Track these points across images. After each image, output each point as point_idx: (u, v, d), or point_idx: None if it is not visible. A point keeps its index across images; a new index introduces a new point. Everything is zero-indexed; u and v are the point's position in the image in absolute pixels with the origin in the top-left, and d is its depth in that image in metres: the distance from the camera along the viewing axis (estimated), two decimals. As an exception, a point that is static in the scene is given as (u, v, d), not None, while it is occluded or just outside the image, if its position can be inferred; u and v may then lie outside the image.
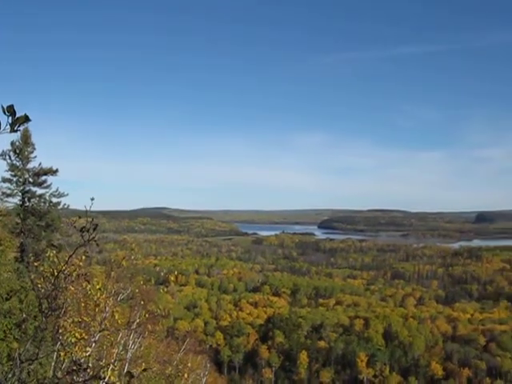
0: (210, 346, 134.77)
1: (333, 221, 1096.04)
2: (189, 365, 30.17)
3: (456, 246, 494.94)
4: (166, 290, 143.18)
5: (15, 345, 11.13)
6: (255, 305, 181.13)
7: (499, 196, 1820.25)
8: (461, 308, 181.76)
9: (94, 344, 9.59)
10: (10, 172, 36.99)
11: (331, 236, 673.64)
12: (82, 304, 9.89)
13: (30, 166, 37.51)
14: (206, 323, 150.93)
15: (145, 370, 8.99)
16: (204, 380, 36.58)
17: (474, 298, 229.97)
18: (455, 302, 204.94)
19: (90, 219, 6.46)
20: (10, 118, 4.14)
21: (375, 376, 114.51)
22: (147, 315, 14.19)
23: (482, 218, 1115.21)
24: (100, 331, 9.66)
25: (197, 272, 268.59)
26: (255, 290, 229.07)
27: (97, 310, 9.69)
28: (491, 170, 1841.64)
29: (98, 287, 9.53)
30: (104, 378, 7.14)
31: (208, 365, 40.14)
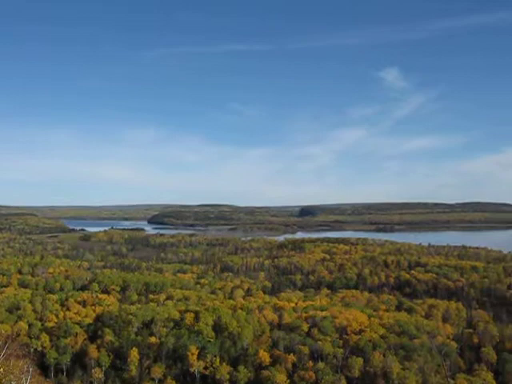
0: (35, 349, 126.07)
1: (163, 216, 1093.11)
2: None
3: (281, 238, 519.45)
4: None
5: None
6: (83, 303, 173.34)
7: (320, 191, 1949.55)
8: (286, 297, 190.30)
9: None
10: None
11: (161, 231, 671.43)
12: None
13: None
14: (30, 325, 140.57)
15: None
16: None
17: (298, 287, 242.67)
18: (281, 292, 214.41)
19: None
20: None
21: (206, 368, 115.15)
22: None
23: (305, 211, 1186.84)
24: None
25: (20, 272, 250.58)
26: (83, 288, 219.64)
27: None
28: (313, 166, 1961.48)
29: None
30: None
31: (31, 369, 36.65)
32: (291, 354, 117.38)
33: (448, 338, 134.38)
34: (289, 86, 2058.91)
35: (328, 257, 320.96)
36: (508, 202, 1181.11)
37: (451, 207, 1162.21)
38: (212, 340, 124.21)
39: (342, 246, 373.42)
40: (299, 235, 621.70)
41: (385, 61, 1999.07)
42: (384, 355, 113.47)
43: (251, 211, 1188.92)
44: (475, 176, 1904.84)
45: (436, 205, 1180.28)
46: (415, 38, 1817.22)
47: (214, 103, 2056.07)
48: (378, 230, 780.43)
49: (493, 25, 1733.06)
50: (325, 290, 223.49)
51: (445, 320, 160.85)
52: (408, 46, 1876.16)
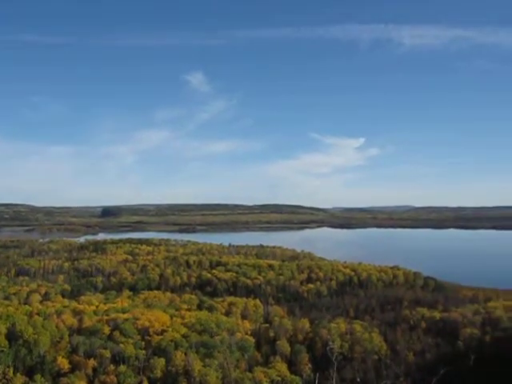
0: None
1: None
2: None
3: (82, 239, 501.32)
4: None
5: None
6: None
7: (124, 192, 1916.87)
8: (86, 300, 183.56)
9: None
10: None
11: None
12: None
13: None
14: None
15: None
16: None
17: (99, 290, 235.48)
18: (81, 295, 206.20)
19: None
20: None
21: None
22: None
23: (108, 212, 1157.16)
24: None
25: None
26: None
27: None
28: (118, 166, 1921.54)
29: None
30: None
31: None
32: (92, 359, 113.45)
33: (246, 333, 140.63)
34: (95, 84, 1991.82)
35: (130, 258, 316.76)
36: (302, 204, 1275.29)
37: (250, 209, 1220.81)
38: (6, 349, 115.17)
39: (144, 246, 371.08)
40: (101, 236, 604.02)
41: (191, 64, 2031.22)
42: (186, 354, 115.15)
43: (50, 212, 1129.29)
44: (273, 180, 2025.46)
45: (236, 206, 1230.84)
46: (220, 44, 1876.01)
47: (13, 96, 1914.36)
48: (181, 231, 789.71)
49: (292, 37, 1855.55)
50: (127, 292, 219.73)
51: (244, 316, 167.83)
52: (213, 52, 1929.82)
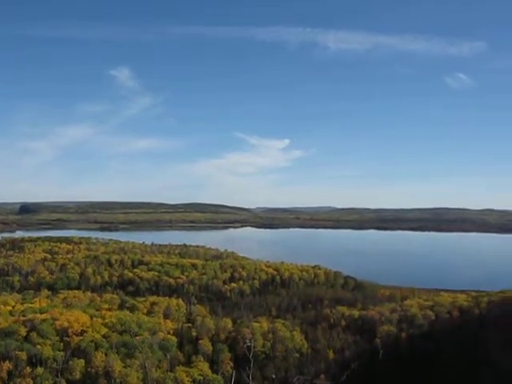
0: None
1: None
2: None
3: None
4: None
5: None
6: None
7: (43, 188, 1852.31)
8: (2, 301, 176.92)
9: None
10: None
11: None
12: None
13: None
14: None
15: None
16: None
17: (16, 290, 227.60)
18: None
19: None
20: None
21: None
22: None
23: (26, 209, 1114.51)
24: None
25: None
26: None
27: None
28: (37, 162, 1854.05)
29: None
30: None
31: None
32: (7, 362, 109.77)
33: (169, 333, 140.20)
34: (14, 74, 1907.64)
35: (49, 256, 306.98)
36: (226, 203, 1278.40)
37: (174, 207, 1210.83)
38: None
39: (64, 245, 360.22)
40: (19, 234, 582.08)
41: (118, 59, 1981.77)
42: (106, 355, 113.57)
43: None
44: (197, 179, 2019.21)
45: (160, 205, 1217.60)
46: (148, 40, 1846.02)
47: None
48: (103, 229, 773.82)
49: (222, 36, 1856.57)
50: (45, 292, 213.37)
51: (166, 316, 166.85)
52: (141, 48, 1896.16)
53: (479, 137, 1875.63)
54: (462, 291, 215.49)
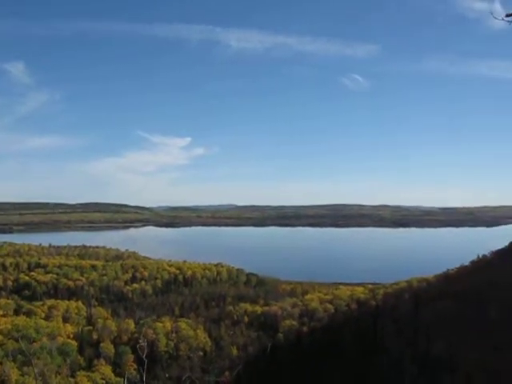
0: None
1: None
2: None
3: None
4: None
5: None
6: None
7: None
8: None
9: None
10: None
11: None
12: None
13: None
14: None
15: None
16: None
17: None
18: None
19: None
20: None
21: None
22: None
23: None
24: None
25: None
26: None
27: None
28: None
29: None
30: None
31: None
32: None
33: (68, 337, 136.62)
34: None
35: None
36: (127, 203, 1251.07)
37: (72, 207, 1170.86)
38: None
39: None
40: None
41: (12, 53, 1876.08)
42: (1, 363, 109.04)
43: None
44: (97, 177, 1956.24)
45: (57, 205, 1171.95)
46: (46, 34, 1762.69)
47: None
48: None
49: (125, 33, 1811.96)
50: None
51: (65, 320, 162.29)
52: (38, 42, 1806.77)
53: (373, 135, 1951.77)
54: (360, 284, 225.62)
